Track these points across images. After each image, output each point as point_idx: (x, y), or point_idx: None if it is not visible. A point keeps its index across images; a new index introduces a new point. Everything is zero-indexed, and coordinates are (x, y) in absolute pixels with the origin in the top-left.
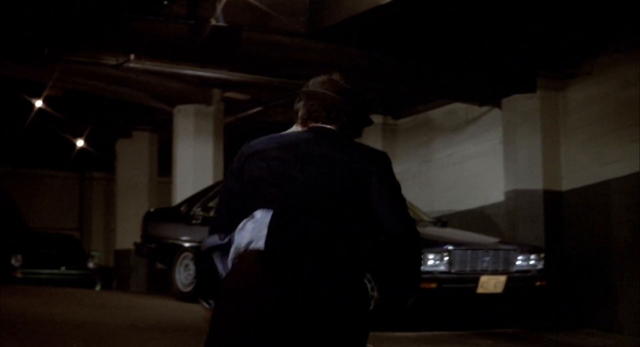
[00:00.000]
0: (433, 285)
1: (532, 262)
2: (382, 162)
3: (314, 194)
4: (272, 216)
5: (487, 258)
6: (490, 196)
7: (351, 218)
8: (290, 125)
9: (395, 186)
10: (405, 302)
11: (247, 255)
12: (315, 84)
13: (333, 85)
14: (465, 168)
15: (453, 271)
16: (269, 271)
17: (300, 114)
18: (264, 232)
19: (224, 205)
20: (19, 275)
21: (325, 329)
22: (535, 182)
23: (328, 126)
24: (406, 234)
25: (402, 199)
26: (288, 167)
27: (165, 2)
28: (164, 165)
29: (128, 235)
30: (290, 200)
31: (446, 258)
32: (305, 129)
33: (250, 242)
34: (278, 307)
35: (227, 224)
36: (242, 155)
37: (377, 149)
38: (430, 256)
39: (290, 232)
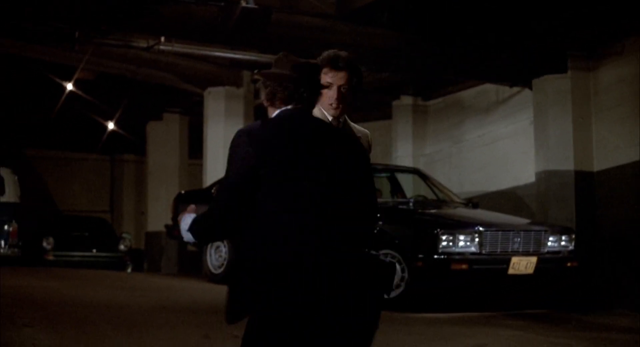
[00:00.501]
0: (464, 266)
1: (563, 243)
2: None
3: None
4: None
5: (518, 239)
6: (521, 176)
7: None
8: None
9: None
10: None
11: None
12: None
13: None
14: (496, 149)
15: (484, 252)
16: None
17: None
18: None
19: None
20: (50, 258)
21: (325, 329)
22: (566, 163)
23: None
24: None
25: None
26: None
27: None
28: (195, 147)
29: (159, 217)
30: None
31: (477, 239)
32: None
33: None
34: (279, 307)
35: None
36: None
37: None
38: (461, 237)
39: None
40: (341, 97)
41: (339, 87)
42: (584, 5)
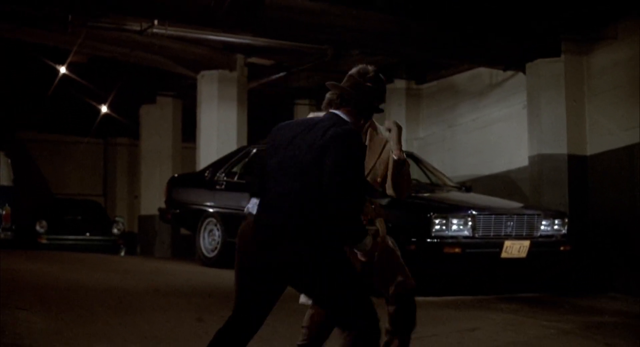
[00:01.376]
0: (457, 250)
1: (556, 227)
2: (335, 140)
3: (292, 168)
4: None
5: (511, 223)
6: (514, 160)
7: (309, 186)
8: (314, 90)
9: (340, 158)
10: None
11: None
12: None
13: (349, 80)
14: (489, 133)
15: (477, 235)
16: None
17: (324, 102)
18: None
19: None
20: (43, 241)
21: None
22: (559, 147)
23: (336, 111)
24: (332, 192)
25: (341, 169)
26: (281, 146)
27: None
28: (188, 130)
29: (152, 201)
30: (277, 172)
31: (470, 223)
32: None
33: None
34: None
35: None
36: (270, 133)
37: (346, 129)
38: (454, 221)
39: (270, 200)
40: None
41: None
42: None
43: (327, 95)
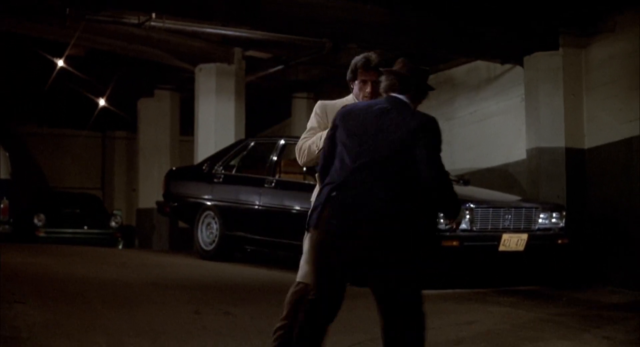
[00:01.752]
0: (455, 243)
1: (553, 220)
2: (426, 126)
3: (377, 150)
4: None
5: (509, 216)
6: (512, 154)
7: (398, 170)
8: (312, 83)
9: (433, 146)
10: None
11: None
12: (395, 64)
13: (405, 65)
14: (487, 126)
15: (475, 229)
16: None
17: (382, 86)
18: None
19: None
20: (41, 234)
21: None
22: (557, 140)
23: (400, 96)
24: (435, 179)
25: (437, 156)
26: (360, 128)
27: None
28: (186, 124)
29: (150, 194)
30: (359, 157)
31: (468, 216)
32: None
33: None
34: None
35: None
36: (336, 116)
37: (428, 115)
38: None
39: (351, 186)
40: (374, 91)
41: (372, 83)
42: None
43: (385, 80)
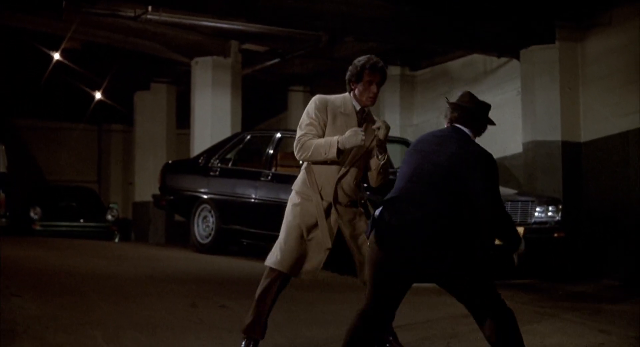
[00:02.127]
0: None
1: (550, 213)
2: (479, 158)
3: (428, 175)
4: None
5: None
6: (508, 147)
7: (445, 196)
8: (308, 77)
9: (490, 178)
10: (511, 253)
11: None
12: (459, 97)
13: (471, 99)
14: None
15: None
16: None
17: (448, 117)
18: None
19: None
20: (37, 227)
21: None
22: (553, 134)
23: (463, 128)
24: (491, 210)
25: (491, 189)
26: (419, 155)
27: None
28: (182, 117)
29: (146, 187)
30: (412, 179)
31: None
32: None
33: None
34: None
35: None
36: (412, 145)
37: (487, 152)
38: None
39: (405, 206)
40: (377, 93)
41: (377, 85)
42: None
43: (451, 112)
